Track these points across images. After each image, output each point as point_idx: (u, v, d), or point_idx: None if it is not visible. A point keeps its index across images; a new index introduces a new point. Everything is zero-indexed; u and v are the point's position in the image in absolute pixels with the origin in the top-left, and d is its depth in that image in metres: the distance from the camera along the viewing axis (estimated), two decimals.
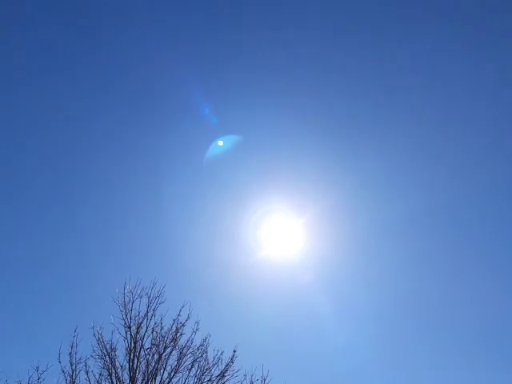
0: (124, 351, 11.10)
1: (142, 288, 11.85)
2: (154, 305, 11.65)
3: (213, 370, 11.07)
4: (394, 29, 21.56)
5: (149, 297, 11.76)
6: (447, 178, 21.63)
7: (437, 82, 21.64)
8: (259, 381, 10.76)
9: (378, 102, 21.80)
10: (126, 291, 11.82)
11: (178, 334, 11.35)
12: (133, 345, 11.12)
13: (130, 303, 11.65)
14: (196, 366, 11.07)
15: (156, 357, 11.02)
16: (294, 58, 21.47)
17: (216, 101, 20.97)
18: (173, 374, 10.94)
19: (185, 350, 11.22)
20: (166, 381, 10.89)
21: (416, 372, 19.39)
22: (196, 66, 21.11)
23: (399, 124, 21.19)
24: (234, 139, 20.19)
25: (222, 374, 11.02)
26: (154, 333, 11.32)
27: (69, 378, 10.68)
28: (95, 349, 11.15)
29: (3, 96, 20.66)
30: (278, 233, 18.77)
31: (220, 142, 19.84)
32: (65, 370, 10.73)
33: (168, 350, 11.15)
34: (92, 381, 10.77)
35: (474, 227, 22.74)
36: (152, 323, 11.47)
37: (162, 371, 10.92)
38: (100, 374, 10.83)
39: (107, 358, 10.96)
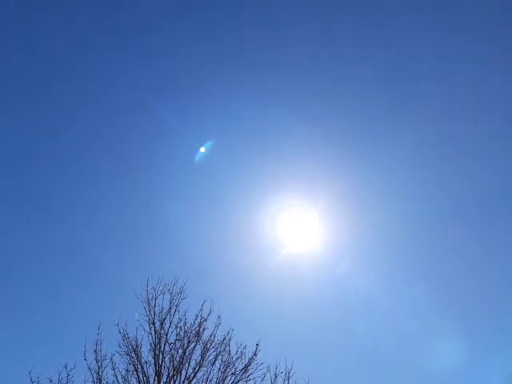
0: (148, 347, 11.27)
1: (164, 285, 12.06)
2: (177, 301, 11.83)
3: (236, 364, 11.15)
4: (409, 18, 21.26)
5: (171, 293, 11.93)
6: (472, 169, 21.31)
7: (463, 70, 21.24)
8: (283, 373, 10.79)
9: (399, 91, 21.53)
10: (148, 288, 12.03)
11: (201, 329, 11.47)
12: (157, 340, 11.25)
13: (153, 300, 11.86)
14: (219, 360, 11.17)
15: (180, 352, 11.13)
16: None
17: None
18: (197, 368, 11.03)
19: (208, 345, 11.31)
20: (191, 375, 10.98)
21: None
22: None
23: (421, 114, 20.84)
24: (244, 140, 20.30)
25: (245, 368, 11.08)
26: (178, 328, 11.45)
27: (95, 375, 10.84)
28: (121, 345, 11.35)
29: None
30: (297, 227, 18.77)
31: (202, 149, 19.92)
32: (91, 367, 10.92)
33: (192, 345, 11.27)
34: (119, 377, 10.92)
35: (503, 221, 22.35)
36: (175, 319, 11.63)
37: (186, 366, 11.03)
38: (126, 370, 10.98)
39: (133, 354, 11.11)
